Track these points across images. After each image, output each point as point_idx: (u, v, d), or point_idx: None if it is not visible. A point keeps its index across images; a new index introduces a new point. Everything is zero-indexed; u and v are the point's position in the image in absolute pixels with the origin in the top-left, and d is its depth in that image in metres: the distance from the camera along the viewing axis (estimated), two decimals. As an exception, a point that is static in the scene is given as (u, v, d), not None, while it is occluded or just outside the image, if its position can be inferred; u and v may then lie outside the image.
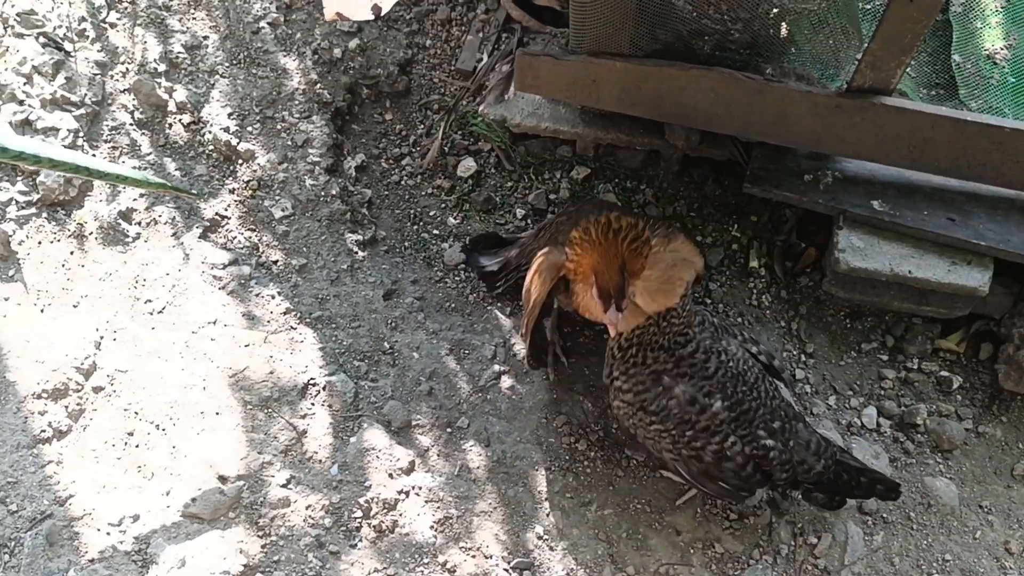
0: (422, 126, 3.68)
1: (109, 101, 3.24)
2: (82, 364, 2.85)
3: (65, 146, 3.07)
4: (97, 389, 2.86)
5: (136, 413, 2.84)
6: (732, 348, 2.71)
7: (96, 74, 3.23)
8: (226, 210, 3.25)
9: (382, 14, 2.61)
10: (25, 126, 3.05)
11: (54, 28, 3.21)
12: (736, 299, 3.37)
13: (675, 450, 2.70)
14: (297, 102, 3.43)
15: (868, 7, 3.30)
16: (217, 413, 2.88)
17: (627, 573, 2.84)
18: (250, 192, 3.28)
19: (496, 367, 3.16)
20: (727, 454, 2.66)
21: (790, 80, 3.06)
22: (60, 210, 3.06)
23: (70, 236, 3.04)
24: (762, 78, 3.01)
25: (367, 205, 3.47)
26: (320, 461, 2.87)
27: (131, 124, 3.25)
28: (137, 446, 2.80)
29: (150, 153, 3.25)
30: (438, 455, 2.97)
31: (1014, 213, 3.11)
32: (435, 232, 3.51)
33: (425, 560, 2.77)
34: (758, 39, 3.03)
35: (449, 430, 3.03)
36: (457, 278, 3.40)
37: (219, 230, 3.23)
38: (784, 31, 3.02)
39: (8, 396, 2.76)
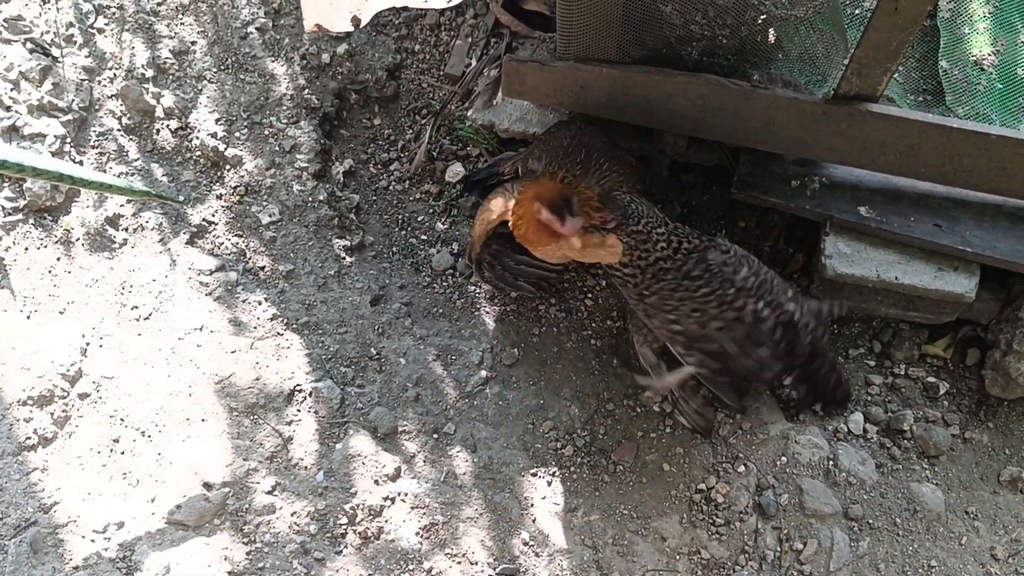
0: (410, 131, 3.68)
1: (96, 107, 3.24)
2: (68, 371, 2.85)
3: (52, 152, 3.07)
4: (83, 396, 2.86)
5: (122, 420, 2.84)
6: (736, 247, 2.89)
7: (83, 80, 3.23)
8: (213, 216, 3.25)
9: (361, 26, 2.61)
10: (12, 132, 3.05)
11: (41, 34, 3.21)
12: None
13: (721, 314, 2.76)
14: (285, 107, 3.43)
15: (855, 13, 3.30)
16: (203, 420, 2.88)
17: (612, 579, 2.85)
18: (237, 198, 3.28)
19: (483, 373, 3.17)
20: (761, 316, 2.76)
21: (777, 86, 3.06)
22: (47, 216, 3.06)
23: (57, 242, 3.04)
24: (749, 84, 3.01)
25: (355, 210, 3.47)
26: (306, 468, 2.87)
27: (118, 130, 3.25)
28: (122, 453, 2.80)
29: (137, 159, 3.25)
30: (424, 461, 2.98)
31: (1001, 219, 3.11)
32: (423, 237, 3.51)
33: (411, 567, 2.77)
34: (745, 45, 3.03)
35: (435, 436, 3.03)
36: (444, 283, 3.40)
37: (206, 236, 3.23)
38: (771, 37, 3.02)
39: (-7, 403, 2.77)
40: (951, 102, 3.16)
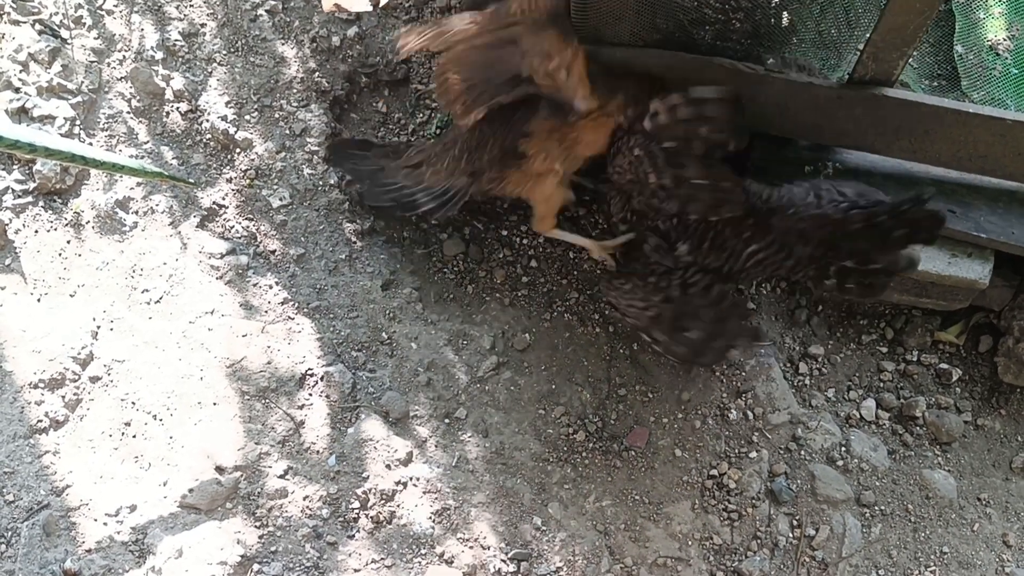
0: (421, 115, 3.66)
1: (106, 89, 3.22)
2: (79, 354, 2.84)
3: (61, 134, 3.05)
4: (94, 379, 2.85)
5: (133, 403, 2.83)
6: None
7: (93, 61, 3.21)
8: (224, 199, 3.24)
9: (380, 5, 2.59)
10: (21, 114, 3.03)
11: (51, 15, 3.19)
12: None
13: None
14: (295, 91, 3.40)
15: (870, -4, 3.28)
16: (214, 403, 2.87)
17: (625, 564, 2.85)
18: (248, 181, 3.27)
19: (494, 358, 3.15)
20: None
21: (791, 71, 3.04)
22: (57, 199, 3.04)
23: (67, 225, 3.03)
24: (763, 68, 2.99)
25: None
26: (318, 452, 2.87)
27: (128, 112, 3.23)
28: (134, 436, 2.79)
29: (147, 141, 3.23)
30: (436, 446, 2.97)
31: (1015, 206, 3.10)
32: (433, 222, 3.49)
33: (423, 551, 2.77)
34: (759, 29, 3.01)
35: (447, 421, 3.02)
36: (455, 269, 3.39)
37: (217, 219, 3.21)
38: (786, 21, 3.00)
39: (5, 386, 2.75)
40: (966, 87, 3.14)
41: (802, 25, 3.01)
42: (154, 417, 2.83)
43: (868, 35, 2.78)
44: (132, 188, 3.14)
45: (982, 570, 2.99)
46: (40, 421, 2.74)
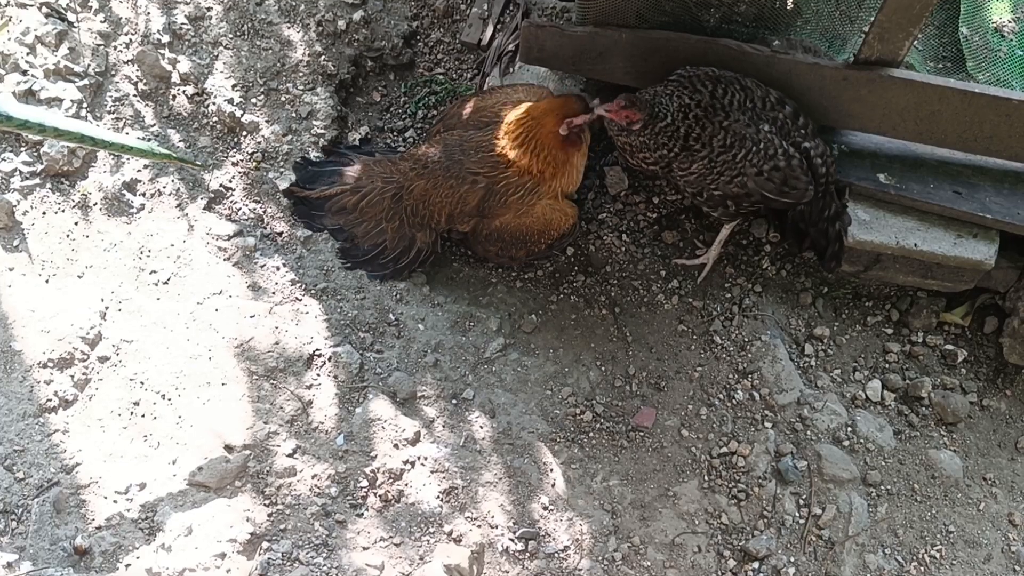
0: (421, 107, 3.66)
1: (112, 72, 3.22)
2: (87, 334, 2.85)
3: (69, 116, 3.05)
4: (103, 359, 2.85)
5: (142, 383, 2.84)
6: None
7: (99, 44, 3.21)
8: (230, 181, 3.24)
9: None
10: (28, 96, 3.04)
11: (57, -2, 3.20)
12: (740, 271, 3.37)
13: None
14: (301, 74, 3.41)
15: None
16: (223, 383, 2.88)
17: (632, 543, 2.85)
18: (254, 164, 3.27)
19: (501, 339, 3.16)
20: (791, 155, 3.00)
21: (797, 52, 3.05)
22: (64, 180, 3.05)
23: (74, 206, 3.03)
24: (769, 50, 3.00)
25: (372, 178, 3.45)
26: (326, 431, 2.87)
27: (135, 95, 3.24)
28: (143, 415, 2.80)
29: (154, 124, 3.23)
30: (443, 426, 2.97)
31: (1020, 186, 3.12)
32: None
33: (431, 529, 2.77)
34: (764, 11, 3.02)
35: (454, 401, 3.03)
36: (462, 251, 3.39)
37: (224, 201, 3.22)
38: (790, 2, 3.01)
39: (14, 365, 2.76)
40: (972, 68, 3.15)
41: (807, 7, 3.01)
42: (163, 396, 2.83)
43: (874, 15, 2.79)
44: (139, 170, 3.15)
45: (988, 549, 3.00)
46: (49, 400, 2.74)
